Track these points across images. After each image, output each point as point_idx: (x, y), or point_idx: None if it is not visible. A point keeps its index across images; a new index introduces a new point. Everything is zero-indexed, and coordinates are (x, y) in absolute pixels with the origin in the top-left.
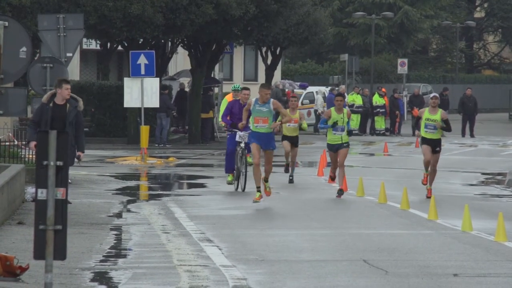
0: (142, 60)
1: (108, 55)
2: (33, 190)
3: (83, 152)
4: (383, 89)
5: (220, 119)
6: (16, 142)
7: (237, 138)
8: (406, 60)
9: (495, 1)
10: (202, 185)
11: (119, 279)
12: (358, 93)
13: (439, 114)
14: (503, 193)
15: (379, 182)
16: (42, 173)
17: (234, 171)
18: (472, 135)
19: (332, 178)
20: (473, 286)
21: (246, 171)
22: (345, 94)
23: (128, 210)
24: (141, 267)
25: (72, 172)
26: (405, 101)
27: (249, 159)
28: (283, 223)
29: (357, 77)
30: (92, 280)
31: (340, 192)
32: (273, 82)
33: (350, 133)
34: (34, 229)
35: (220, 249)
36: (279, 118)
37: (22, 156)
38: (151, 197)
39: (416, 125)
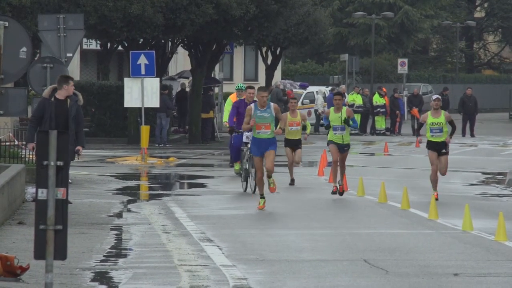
0: (142, 60)
1: (108, 55)
2: (34, 190)
3: (83, 146)
4: (384, 89)
5: (225, 120)
6: (16, 142)
7: (244, 139)
8: (406, 60)
9: (495, 1)
10: (202, 185)
11: (119, 279)
12: (358, 93)
13: (442, 116)
14: (503, 193)
15: (380, 182)
16: (42, 173)
17: (240, 163)
18: (472, 135)
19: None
20: (474, 286)
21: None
22: (345, 93)
23: (129, 210)
24: (141, 267)
25: (73, 172)
26: (405, 101)
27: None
28: (283, 223)
29: (357, 77)
30: (93, 280)
31: (340, 183)
32: (273, 82)
33: (347, 122)
34: (34, 229)
35: (220, 249)
36: (279, 125)
37: (23, 156)
38: (152, 197)
39: (418, 130)
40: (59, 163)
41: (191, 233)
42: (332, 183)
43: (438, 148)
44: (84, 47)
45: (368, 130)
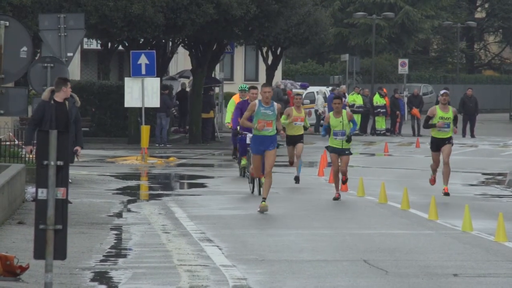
0: (143, 60)
1: (109, 55)
2: (34, 189)
3: (81, 147)
4: (384, 89)
5: (227, 121)
6: (16, 142)
7: (248, 141)
8: (406, 60)
9: (496, 2)
10: (202, 185)
11: (119, 279)
12: (358, 93)
13: (451, 112)
14: (503, 193)
15: (380, 182)
16: (42, 172)
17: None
18: (472, 135)
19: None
20: (473, 286)
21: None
22: (346, 94)
23: (129, 210)
24: (141, 267)
25: (73, 172)
26: (405, 101)
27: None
28: (283, 223)
29: (357, 77)
30: (92, 280)
31: (345, 182)
32: (273, 82)
33: (349, 139)
34: (34, 228)
35: (220, 249)
36: (283, 120)
37: (23, 155)
38: (152, 197)
39: (426, 123)
40: (59, 162)
41: (191, 233)
42: (333, 183)
43: (442, 145)
44: (85, 46)
45: (369, 130)
